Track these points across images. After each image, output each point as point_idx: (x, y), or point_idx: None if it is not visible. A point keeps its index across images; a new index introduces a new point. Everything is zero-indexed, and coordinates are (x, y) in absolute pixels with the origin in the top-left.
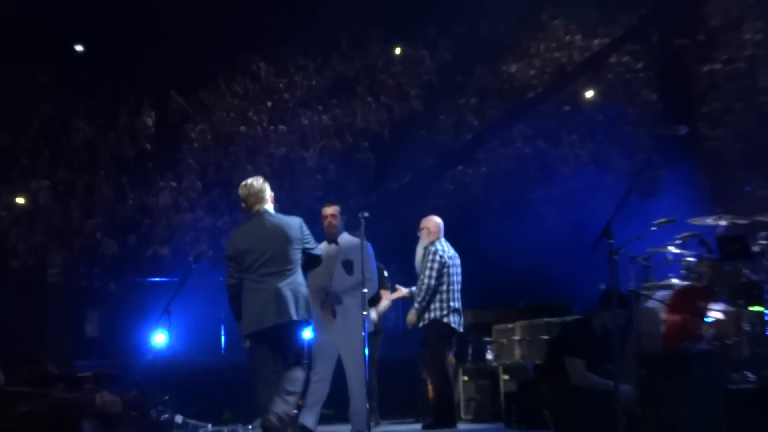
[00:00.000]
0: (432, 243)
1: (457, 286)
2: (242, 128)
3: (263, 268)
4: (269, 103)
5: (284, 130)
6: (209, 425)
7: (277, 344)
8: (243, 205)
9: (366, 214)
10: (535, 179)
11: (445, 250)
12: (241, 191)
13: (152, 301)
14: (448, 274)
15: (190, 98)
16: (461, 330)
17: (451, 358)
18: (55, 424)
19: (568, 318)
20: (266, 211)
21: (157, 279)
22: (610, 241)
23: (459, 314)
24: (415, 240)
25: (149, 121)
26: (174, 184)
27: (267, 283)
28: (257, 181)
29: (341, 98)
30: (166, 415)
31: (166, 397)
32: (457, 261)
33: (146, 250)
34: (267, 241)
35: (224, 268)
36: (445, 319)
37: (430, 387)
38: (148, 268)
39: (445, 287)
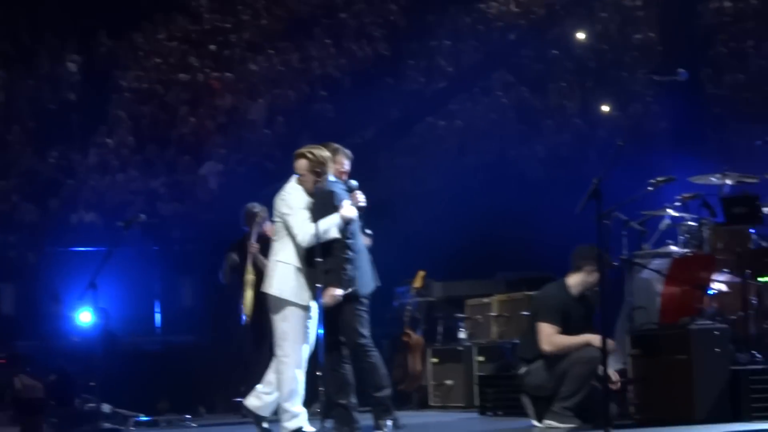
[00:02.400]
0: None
1: None
2: (181, 76)
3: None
4: (212, 47)
5: (230, 77)
6: (142, 415)
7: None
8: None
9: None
10: (516, 134)
11: None
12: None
13: (77, 275)
14: None
15: (121, 41)
16: None
17: (418, 337)
18: None
19: None
20: None
21: (83, 249)
22: (599, 203)
23: None
24: (379, 202)
25: (73, 68)
26: (103, 140)
27: None
28: None
29: (296, 41)
30: (92, 404)
31: (92, 384)
32: None
33: (70, 216)
34: None
35: (159, 234)
36: None
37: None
38: (71, 237)
39: None
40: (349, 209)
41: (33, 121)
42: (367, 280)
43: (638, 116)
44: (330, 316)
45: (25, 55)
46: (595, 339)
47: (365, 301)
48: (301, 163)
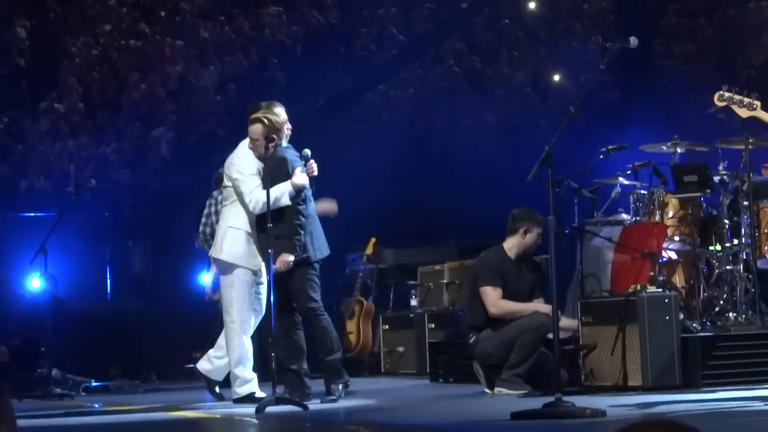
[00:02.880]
0: None
1: None
2: (132, 42)
3: None
4: (163, 13)
5: (180, 45)
6: (92, 381)
7: None
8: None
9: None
10: (468, 102)
11: None
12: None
13: (26, 240)
14: None
15: (70, 6)
16: None
17: (370, 304)
18: None
19: None
20: None
21: (33, 214)
22: (550, 170)
23: None
24: (331, 171)
25: (23, 33)
26: (52, 105)
27: None
28: None
29: (246, 8)
30: (42, 370)
31: (42, 349)
32: None
33: (20, 182)
34: None
35: (110, 200)
36: None
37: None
38: (21, 202)
39: None
40: (300, 177)
41: None
42: (319, 245)
43: (590, 85)
44: (281, 282)
45: None
46: (543, 307)
47: (317, 266)
48: (256, 128)
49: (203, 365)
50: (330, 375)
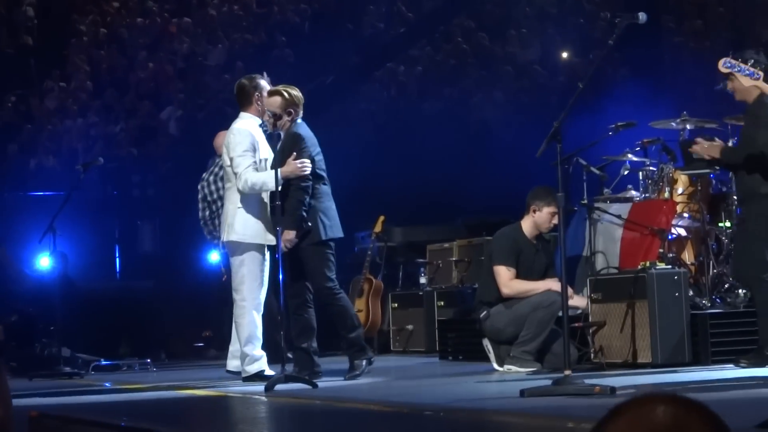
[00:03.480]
0: None
1: None
2: (139, 20)
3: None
4: None
5: (188, 22)
6: (102, 359)
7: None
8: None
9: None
10: (477, 80)
11: None
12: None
13: (36, 219)
14: None
15: None
16: None
17: (379, 282)
18: None
19: None
20: None
21: (42, 193)
22: (559, 147)
23: None
24: (339, 149)
25: (30, 12)
26: (61, 84)
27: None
28: None
29: None
30: (52, 348)
31: (52, 328)
32: None
33: (29, 161)
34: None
35: (118, 179)
36: None
37: None
38: (31, 181)
39: None
40: (291, 166)
41: None
42: (332, 225)
43: (598, 61)
44: (295, 260)
45: None
46: (555, 285)
47: (332, 245)
48: (275, 101)
49: (232, 364)
50: (354, 351)
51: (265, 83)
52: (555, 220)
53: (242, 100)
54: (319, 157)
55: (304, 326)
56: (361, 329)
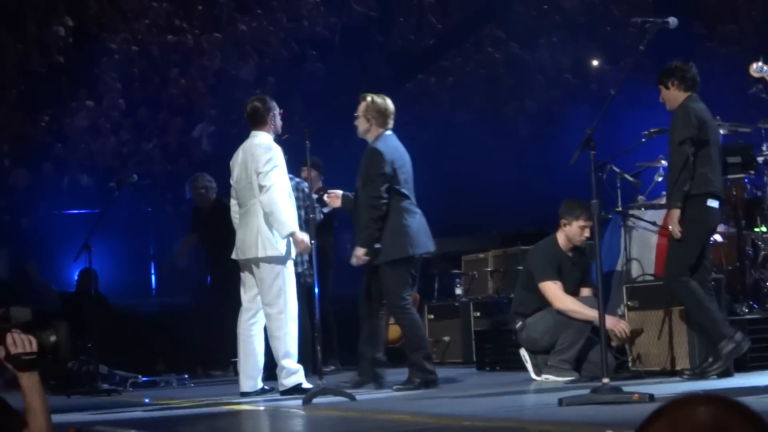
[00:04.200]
0: None
1: None
2: (170, 37)
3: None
4: (200, 7)
5: (218, 38)
6: (139, 376)
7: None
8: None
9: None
10: (508, 89)
11: None
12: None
13: (71, 237)
14: None
15: (109, 3)
16: None
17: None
18: None
19: None
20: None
21: (76, 211)
22: (593, 153)
23: None
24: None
25: (62, 31)
26: (93, 103)
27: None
28: None
29: (284, 0)
30: (90, 365)
31: (89, 345)
32: None
33: (62, 179)
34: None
35: (154, 196)
36: None
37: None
38: (65, 200)
39: None
40: (302, 237)
41: (23, 85)
42: (419, 241)
43: (629, 67)
44: (372, 273)
45: (14, 18)
46: (611, 320)
47: (412, 260)
48: (360, 106)
49: (247, 384)
50: (413, 369)
51: (275, 104)
52: (586, 233)
53: (256, 121)
54: (403, 170)
55: (371, 335)
56: (426, 350)
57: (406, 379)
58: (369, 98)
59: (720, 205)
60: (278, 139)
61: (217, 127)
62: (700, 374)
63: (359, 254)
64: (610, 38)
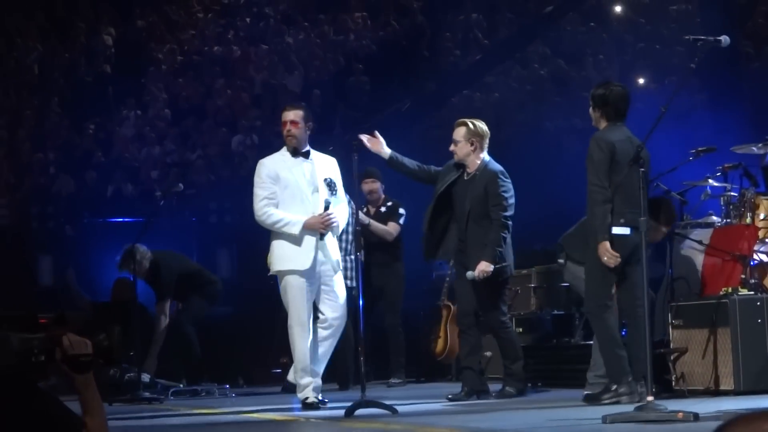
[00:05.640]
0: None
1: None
2: (216, 48)
3: None
4: (248, 20)
5: (265, 50)
6: (181, 385)
7: None
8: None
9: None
10: (553, 105)
11: None
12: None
13: (115, 245)
14: None
15: (156, 14)
16: None
17: (456, 308)
18: (17, 366)
19: None
20: None
21: (120, 219)
22: (642, 169)
23: None
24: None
25: (109, 40)
26: (139, 112)
27: None
28: None
29: (330, 13)
30: (131, 374)
31: (132, 353)
32: None
33: (107, 188)
34: None
35: (197, 205)
36: None
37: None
38: (109, 208)
39: None
40: (315, 220)
41: (70, 94)
42: (512, 260)
43: (679, 85)
44: (472, 286)
45: (61, 27)
46: None
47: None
48: (459, 131)
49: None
50: (510, 380)
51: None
52: (659, 237)
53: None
54: (510, 193)
55: (472, 346)
56: (522, 362)
57: (501, 388)
58: (470, 124)
59: (632, 230)
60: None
61: (260, 139)
62: (593, 400)
63: (488, 270)
64: (657, 57)
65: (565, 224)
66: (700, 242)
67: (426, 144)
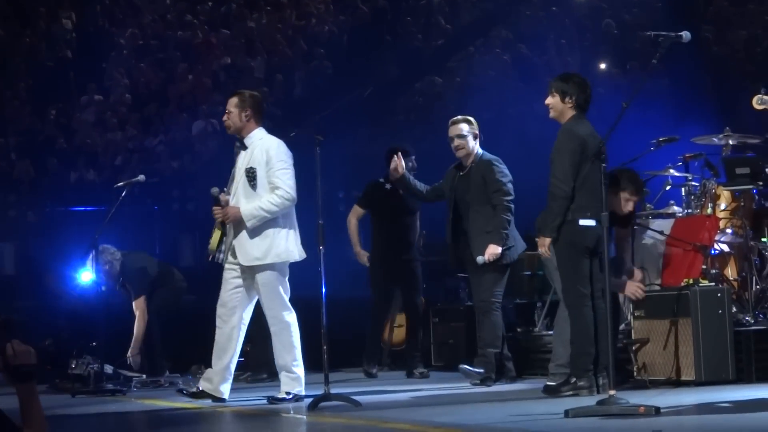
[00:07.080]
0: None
1: None
2: (179, 33)
3: None
4: (210, 4)
5: (227, 35)
6: (143, 376)
7: None
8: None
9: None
10: (516, 91)
11: None
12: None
13: (77, 234)
14: None
15: None
16: None
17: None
18: None
19: None
20: None
21: (83, 208)
22: (603, 165)
23: None
24: (380, 165)
25: (69, 25)
26: (100, 97)
27: None
28: None
29: None
30: (94, 366)
31: (93, 344)
32: None
33: (69, 175)
34: None
35: (160, 194)
36: None
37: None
38: (71, 196)
39: None
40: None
41: (30, 79)
42: (516, 246)
43: (637, 74)
44: (474, 270)
45: (21, 12)
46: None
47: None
48: (462, 126)
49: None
50: (479, 363)
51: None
52: (629, 207)
53: (260, 115)
54: (508, 178)
55: (494, 330)
56: (499, 350)
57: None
58: (469, 119)
59: (597, 222)
60: (286, 138)
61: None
62: (552, 391)
63: (497, 252)
64: (618, 41)
65: (526, 211)
66: (661, 232)
67: (389, 129)
